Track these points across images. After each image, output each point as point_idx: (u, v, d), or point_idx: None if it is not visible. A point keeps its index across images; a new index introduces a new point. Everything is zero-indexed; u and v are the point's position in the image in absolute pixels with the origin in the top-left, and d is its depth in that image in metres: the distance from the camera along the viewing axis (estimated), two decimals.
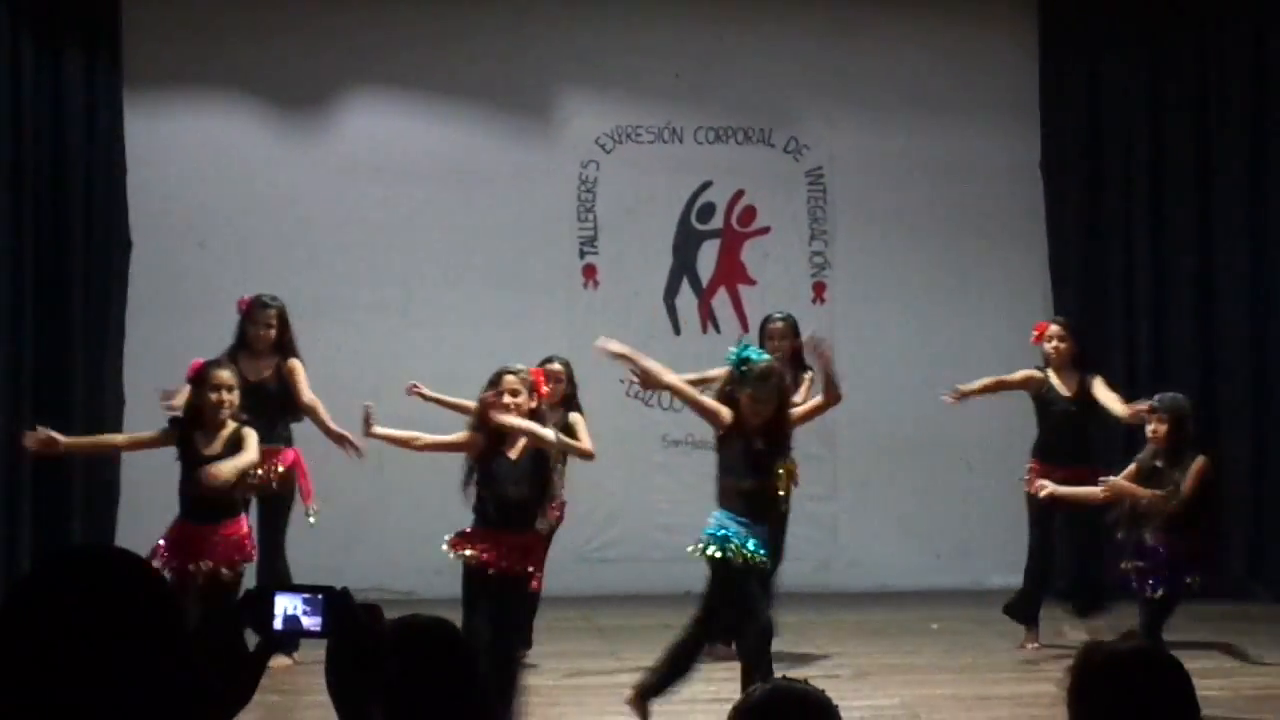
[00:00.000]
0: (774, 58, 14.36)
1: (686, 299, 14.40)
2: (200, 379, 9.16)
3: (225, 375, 9.16)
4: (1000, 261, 14.39)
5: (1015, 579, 12.57)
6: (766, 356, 9.10)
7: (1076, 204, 14.30)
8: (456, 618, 8.19)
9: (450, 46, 14.08)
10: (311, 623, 2.81)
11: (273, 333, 10.88)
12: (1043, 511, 11.34)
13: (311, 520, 10.62)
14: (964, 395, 11.43)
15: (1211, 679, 9.64)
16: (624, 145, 14.33)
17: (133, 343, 13.41)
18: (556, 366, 10.68)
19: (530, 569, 8.94)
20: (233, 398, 9.12)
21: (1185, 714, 3.70)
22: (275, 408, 10.80)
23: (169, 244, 13.63)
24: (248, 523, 9.36)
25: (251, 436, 9.25)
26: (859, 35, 14.43)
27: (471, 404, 9.44)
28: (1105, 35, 14.32)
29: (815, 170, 14.48)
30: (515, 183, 14.08)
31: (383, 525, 13.09)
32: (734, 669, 10.31)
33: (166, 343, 13.18)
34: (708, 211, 14.46)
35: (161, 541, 9.22)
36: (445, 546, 8.88)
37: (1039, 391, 11.61)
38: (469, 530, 8.86)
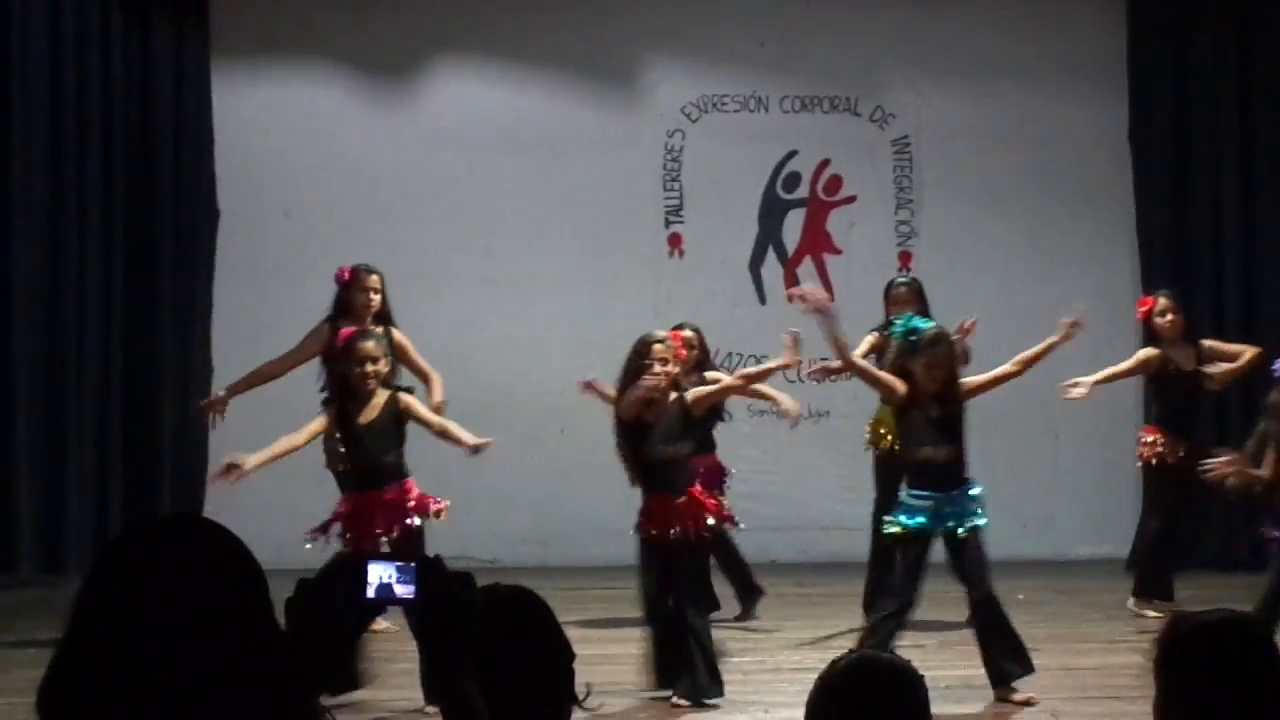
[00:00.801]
0: (859, 26, 14.31)
1: (772, 268, 14.37)
2: (347, 353, 9.13)
3: (370, 346, 9.12)
4: (1087, 232, 14.30)
5: (1100, 549, 12.61)
6: (933, 324, 9.16)
7: (1164, 175, 14.20)
8: (539, 586, 8.21)
9: (536, 15, 14.09)
10: (404, 590, 2.83)
11: (378, 299, 10.88)
12: (1164, 486, 11.38)
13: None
14: (1087, 391, 11.34)
15: None
16: (709, 114, 14.31)
17: (220, 311, 13.51)
18: (687, 333, 10.67)
19: (696, 527, 8.98)
20: (378, 367, 9.08)
21: (1274, 684, 3.69)
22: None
23: (256, 213, 13.71)
24: (415, 485, 9.28)
25: (410, 399, 9.26)
26: (945, 4, 14.36)
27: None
28: (1193, 6, 14.21)
29: (901, 139, 14.43)
30: (601, 151, 14.09)
31: (467, 493, 13.11)
32: (819, 639, 10.33)
33: (254, 311, 13.30)
34: (793, 181, 14.43)
35: (339, 514, 9.17)
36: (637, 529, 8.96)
37: (1160, 368, 11.54)
38: (644, 503, 8.97)
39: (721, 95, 14.30)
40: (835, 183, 14.44)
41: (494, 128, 14.02)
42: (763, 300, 14.30)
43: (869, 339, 11.38)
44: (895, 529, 9.15)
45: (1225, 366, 11.45)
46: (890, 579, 9.49)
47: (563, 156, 14.06)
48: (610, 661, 9.54)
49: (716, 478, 10.98)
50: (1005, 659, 9.01)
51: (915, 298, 11.41)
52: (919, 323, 9.23)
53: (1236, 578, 12.13)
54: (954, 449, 9.13)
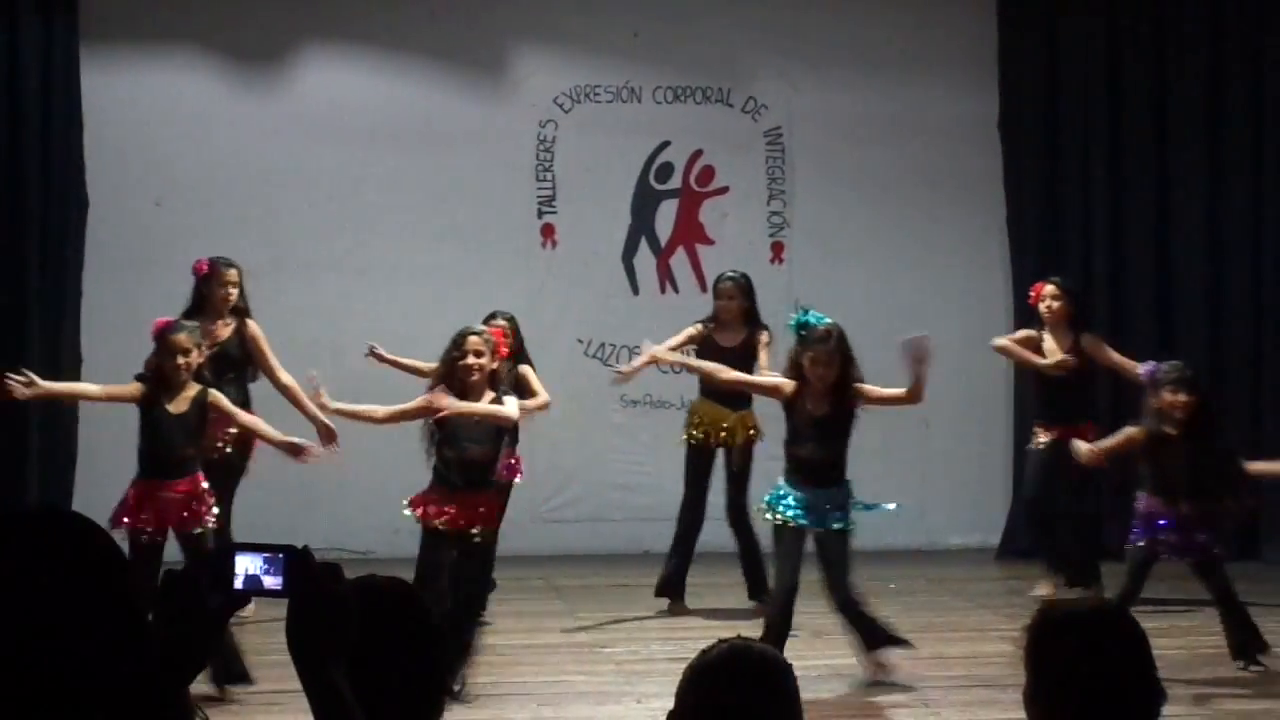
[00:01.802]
0: (732, 17, 14.33)
1: (645, 259, 14.38)
2: (159, 343, 9.14)
3: (183, 338, 9.13)
4: (959, 220, 14.40)
5: (971, 538, 12.68)
6: (826, 320, 9.20)
7: (1034, 162, 14.33)
8: (410, 578, 8.21)
9: (409, 4, 14.03)
10: (272, 582, 2.80)
11: (235, 293, 10.86)
12: (1043, 470, 11.56)
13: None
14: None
15: (1169, 638, 9.70)
16: (582, 105, 14.30)
17: (90, 301, 13.36)
18: (502, 322, 10.71)
19: (485, 524, 9.02)
20: (191, 359, 9.10)
21: (1141, 673, 3.72)
22: (236, 371, 10.79)
23: (126, 202, 13.56)
24: (203, 479, 9.30)
25: (219, 396, 9.30)
26: None
27: (426, 365, 9.53)
28: None
29: (774, 130, 14.47)
30: (473, 141, 14.05)
31: (340, 485, 13.06)
32: (692, 628, 10.36)
33: (123, 301, 13.15)
34: (666, 171, 14.44)
35: (126, 500, 9.15)
36: (407, 510, 8.98)
37: (1035, 351, 11.71)
38: (428, 491, 8.95)
39: (594, 86, 14.29)
40: (708, 173, 14.47)
41: (367, 117, 13.94)
42: (635, 291, 14.30)
43: (690, 330, 11.44)
44: (772, 518, 9.19)
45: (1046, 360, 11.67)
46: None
47: (435, 146, 14.01)
48: (487, 652, 9.53)
49: (515, 469, 10.94)
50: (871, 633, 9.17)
51: (742, 294, 11.45)
52: (812, 317, 9.24)
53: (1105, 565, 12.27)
54: (833, 449, 9.18)
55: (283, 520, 11.87)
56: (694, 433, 11.42)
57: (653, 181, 14.42)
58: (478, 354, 8.96)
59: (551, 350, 13.37)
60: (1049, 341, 11.76)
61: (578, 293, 14.10)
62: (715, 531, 11.62)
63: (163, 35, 13.79)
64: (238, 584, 2.81)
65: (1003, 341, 12.03)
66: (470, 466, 8.97)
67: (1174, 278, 14.11)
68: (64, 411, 13.10)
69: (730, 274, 11.69)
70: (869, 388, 9.26)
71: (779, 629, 9.01)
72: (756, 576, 11.35)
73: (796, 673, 3.64)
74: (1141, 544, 9.56)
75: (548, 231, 14.24)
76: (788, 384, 9.20)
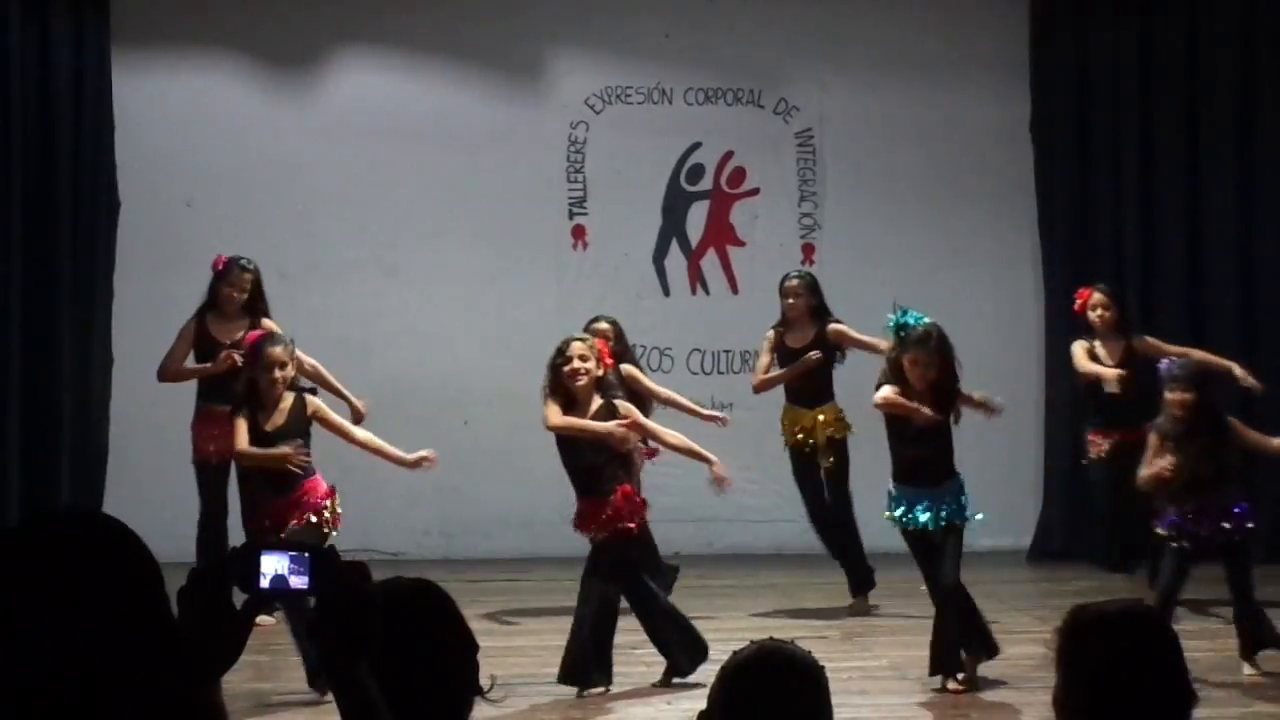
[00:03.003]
0: (764, 19, 14.32)
1: (676, 260, 14.37)
2: (255, 358, 9.04)
3: (279, 352, 9.03)
4: (990, 223, 14.37)
5: (1002, 541, 12.64)
6: (925, 320, 9.14)
7: (1066, 166, 14.29)
8: (443, 578, 8.20)
9: (440, 5, 14.04)
10: (298, 582, 2.80)
11: (244, 296, 10.89)
12: (1110, 482, 11.54)
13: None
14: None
15: (1201, 639, 9.66)
16: (614, 106, 14.29)
17: (121, 302, 13.38)
18: (604, 325, 10.68)
19: (623, 523, 9.09)
20: (286, 374, 9.01)
21: (1172, 673, 3.71)
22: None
23: (157, 203, 13.59)
24: (322, 483, 9.19)
25: (320, 404, 9.22)
26: None
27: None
28: None
29: (805, 132, 14.45)
30: (505, 143, 14.05)
31: (371, 486, 13.06)
32: (725, 629, 10.34)
33: (155, 302, 13.17)
34: (697, 173, 14.43)
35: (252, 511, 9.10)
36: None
37: (1090, 359, 11.66)
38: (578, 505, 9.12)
39: (625, 87, 14.29)
40: (739, 175, 14.46)
41: (397, 119, 13.95)
42: (666, 292, 14.30)
43: (768, 338, 11.46)
44: (896, 524, 9.21)
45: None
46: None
47: (466, 148, 14.01)
48: (515, 653, 9.55)
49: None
50: (957, 647, 9.10)
51: (808, 291, 11.45)
52: (911, 317, 9.20)
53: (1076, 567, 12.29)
54: (936, 448, 9.16)
55: None
56: (790, 441, 11.45)
57: (684, 183, 14.41)
58: (582, 359, 8.97)
59: None
60: (1100, 349, 11.71)
61: (609, 294, 14.08)
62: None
63: (194, 37, 13.82)
64: (264, 583, 2.81)
65: (1088, 367, 11.86)
66: (590, 472, 9.04)
67: (1205, 281, 14.05)
68: (94, 411, 13.15)
69: (795, 272, 11.74)
70: (966, 393, 9.27)
71: (965, 621, 9.01)
72: (856, 573, 11.37)
73: (828, 674, 3.62)
74: (1175, 544, 9.54)
75: (579, 233, 14.24)
76: (888, 392, 9.14)
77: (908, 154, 14.34)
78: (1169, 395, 9.57)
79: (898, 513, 9.18)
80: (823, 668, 3.63)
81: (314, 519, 8.87)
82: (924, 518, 9.10)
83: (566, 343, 9.09)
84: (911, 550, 9.29)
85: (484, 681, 3.54)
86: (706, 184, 14.44)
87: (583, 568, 9.23)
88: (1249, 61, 14.07)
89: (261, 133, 13.84)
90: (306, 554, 2.81)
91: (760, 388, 11.49)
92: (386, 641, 2.82)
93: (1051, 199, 14.28)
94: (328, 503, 8.97)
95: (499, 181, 14.02)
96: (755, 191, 14.47)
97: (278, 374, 8.93)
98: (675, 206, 14.40)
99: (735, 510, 13.00)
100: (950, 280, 14.17)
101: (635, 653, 9.61)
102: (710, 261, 14.38)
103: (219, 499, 10.88)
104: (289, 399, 9.01)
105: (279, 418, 8.96)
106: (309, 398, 9.15)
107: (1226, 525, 9.45)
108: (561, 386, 9.00)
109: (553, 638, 10.36)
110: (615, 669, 9.16)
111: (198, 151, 13.75)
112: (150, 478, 12.80)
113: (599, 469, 9.04)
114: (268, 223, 13.46)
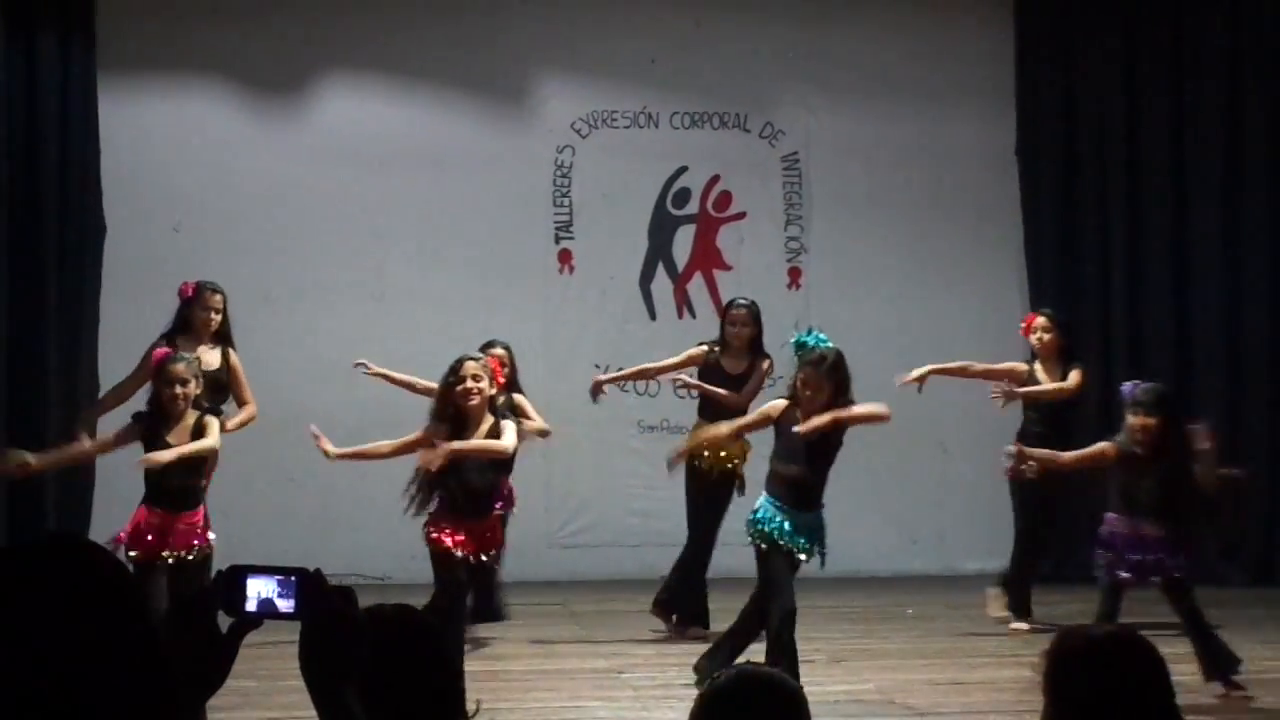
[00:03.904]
0: (750, 43, 14.35)
1: (662, 284, 14.38)
2: (159, 374, 9.11)
3: (180, 368, 9.09)
4: (976, 246, 14.40)
5: (990, 564, 12.60)
6: (828, 343, 9.15)
7: (1052, 189, 14.33)
8: (426, 603, 8.22)
9: (426, 31, 14.05)
10: (285, 605, 2.79)
11: (218, 318, 10.91)
12: (1030, 497, 11.48)
13: None
14: (929, 373, 11.47)
15: (1184, 664, 9.66)
16: (599, 130, 14.31)
17: (107, 327, 13.37)
18: (499, 351, 10.75)
19: (493, 549, 9.21)
20: (188, 390, 9.06)
21: (1160, 698, 3.71)
22: (221, 398, 10.78)
23: (143, 228, 13.59)
24: (205, 513, 9.26)
25: (214, 424, 9.22)
26: (835, 20, 14.42)
27: (421, 381, 9.60)
28: (1080, 20, 14.35)
29: (791, 155, 14.48)
30: (490, 167, 14.06)
31: (357, 510, 13.07)
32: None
33: (141, 327, 13.10)
34: (683, 197, 14.45)
35: (125, 531, 9.14)
36: (427, 534, 9.02)
37: (1022, 382, 11.64)
38: (438, 515, 8.99)
39: (611, 111, 14.31)
40: (725, 199, 14.47)
41: (383, 143, 13.96)
42: (653, 316, 14.30)
43: (692, 350, 11.42)
44: (760, 540, 9.10)
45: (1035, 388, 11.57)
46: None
47: (452, 172, 14.03)
48: (499, 678, 9.52)
49: (510, 498, 10.93)
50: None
51: (754, 321, 11.42)
52: (811, 338, 9.23)
53: (1078, 591, 12.26)
54: (818, 472, 9.14)
55: (300, 546, 11.88)
56: (698, 460, 11.36)
57: (670, 207, 14.42)
58: (475, 379, 8.98)
59: (568, 375, 13.38)
60: (1039, 373, 11.74)
61: (595, 318, 14.10)
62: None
63: (180, 63, 13.83)
64: (250, 606, 2.80)
65: (960, 365, 11.87)
66: (473, 494, 8.99)
67: (1191, 303, 14.08)
68: (81, 433, 13.09)
69: (742, 300, 11.66)
70: (854, 411, 9.16)
71: (793, 653, 8.94)
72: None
73: (811, 700, 3.62)
74: (1104, 567, 9.56)
75: (565, 257, 14.25)
76: (778, 404, 9.17)
77: (894, 177, 14.37)
78: (1132, 419, 9.55)
79: (762, 522, 9.08)
80: (802, 690, 3.62)
81: (188, 555, 8.95)
82: (788, 535, 9.03)
83: (460, 362, 9.10)
84: (769, 566, 9.17)
85: (470, 706, 3.54)
86: (693, 208, 14.45)
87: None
88: (1234, 85, 14.12)
89: (248, 157, 13.84)
90: (293, 577, 2.80)
91: (669, 380, 11.38)
92: (372, 667, 2.82)
93: (1037, 222, 14.31)
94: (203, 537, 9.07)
95: (485, 206, 14.03)
96: (742, 215, 14.49)
97: (179, 390, 8.98)
98: (662, 230, 14.41)
99: (720, 534, 12.97)
100: (937, 303, 14.21)
101: (620, 676, 9.58)
102: (697, 285, 14.39)
103: None
104: (191, 416, 9.06)
105: (181, 434, 9.02)
106: (209, 418, 9.18)
107: (1167, 560, 9.44)
108: (453, 406, 9.01)
109: (538, 662, 10.37)
110: (602, 693, 9.15)
111: (184, 176, 13.75)
112: (136, 503, 12.76)
113: (486, 493, 9.08)
114: (254, 247, 13.46)
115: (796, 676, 8.65)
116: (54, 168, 13.33)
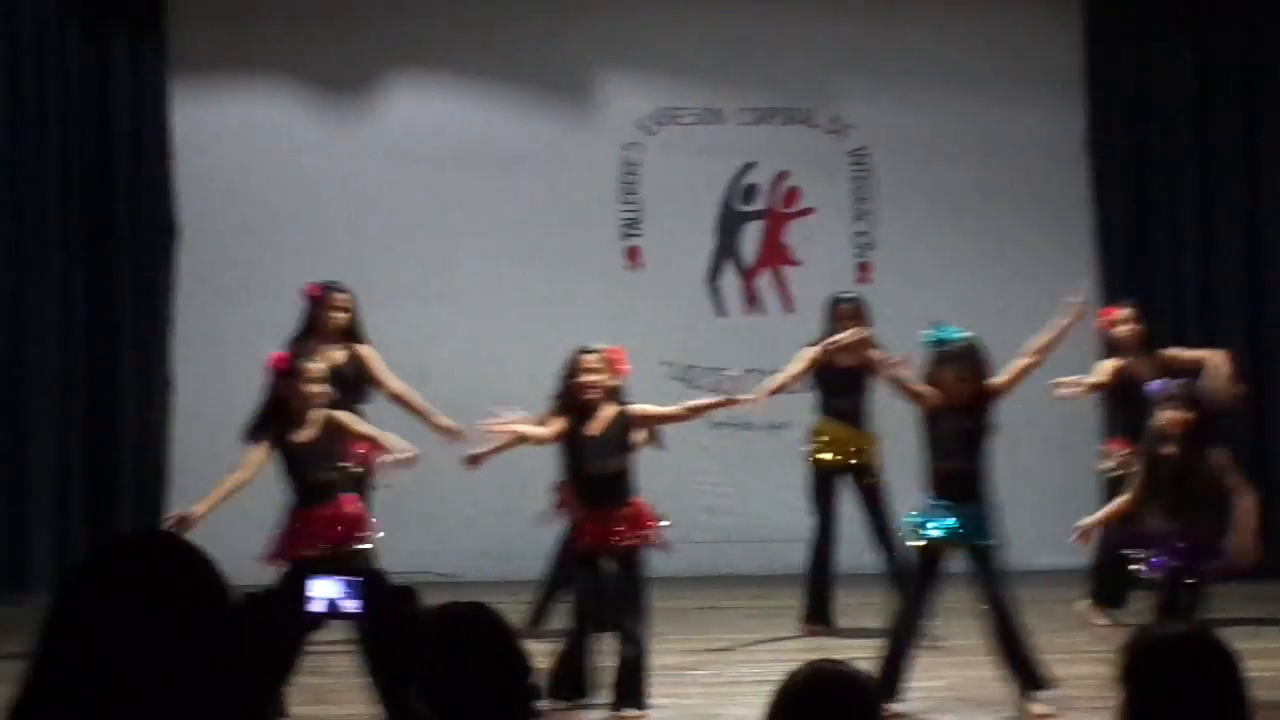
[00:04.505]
0: (815, 37, 14.32)
1: (730, 281, 14.37)
2: (293, 372, 9.02)
3: (318, 368, 9.06)
4: (1045, 239, 14.32)
5: (1061, 559, 12.53)
6: (964, 335, 9.12)
7: (1121, 180, 14.24)
8: (498, 601, 8.19)
9: (493, 30, 14.08)
10: (349, 605, 2.81)
11: (346, 317, 10.85)
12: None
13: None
14: (1078, 392, 11.42)
15: (1257, 660, 9.57)
16: (666, 127, 14.31)
17: (180, 328, 13.46)
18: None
19: (636, 538, 9.06)
20: (323, 389, 9.02)
21: (1235, 695, 3.70)
22: (350, 394, 10.78)
23: (215, 230, 13.66)
24: (354, 501, 9.20)
25: (348, 416, 9.21)
26: (900, 13, 14.38)
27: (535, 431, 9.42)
28: (1150, 10, 14.25)
29: (858, 150, 14.44)
30: (558, 166, 14.08)
31: (428, 509, 13.09)
32: (780, 650, 10.30)
33: (213, 328, 13.26)
34: (751, 193, 14.43)
35: (278, 533, 9.08)
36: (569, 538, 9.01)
37: (1118, 380, 11.56)
38: (577, 514, 9.17)
39: (678, 108, 14.30)
40: (792, 194, 14.45)
41: (452, 143, 14.00)
42: (721, 312, 14.29)
43: (809, 353, 11.33)
44: (918, 538, 9.11)
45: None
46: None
47: (520, 171, 14.05)
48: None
49: None
50: (1022, 669, 8.99)
51: (861, 314, 11.35)
52: (950, 332, 9.18)
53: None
54: (978, 461, 9.10)
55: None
56: (821, 454, 11.36)
57: (737, 203, 14.41)
58: (593, 371, 8.98)
59: (637, 373, 13.28)
60: (1135, 365, 11.62)
61: (663, 315, 14.09)
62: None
63: (250, 64, 13.90)
64: (315, 607, 2.81)
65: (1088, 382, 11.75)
66: (601, 482, 8.96)
67: (1265, 296, 13.98)
68: (155, 432, 13.22)
69: (848, 294, 11.64)
70: (998, 381, 9.15)
71: (903, 652, 8.92)
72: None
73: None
74: (1155, 565, 9.49)
75: (633, 254, 14.25)
76: (932, 394, 9.08)
77: (962, 170, 14.31)
78: (1166, 414, 9.44)
79: (917, 523, 9.09)
80: (876, 688, 3.60)
81: (348, 546, 8.89)
82: (939, 531, 9.00)
83: (577, 355, 9.09)
84: (919, 563, 9.17)
85: (541, 703, 3.54)
86: (760, 203, 14.44)
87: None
88: None
89: (317, 158, 13.90)
90: (357, 578, 2.81)
91: (776, 390, 11.37)
92: (441, 665, 2.82)
93: (1107, 213, 14.23)
94: (357, 529, 9.00)
95: (553, 204, 14.04)
96: (809, 210, 14.46)
97: (316, 388, 8.93)
98: (729, 226, 14.40)
99: (791, 530, 12.94)
100: (1005, 297, 14.12)
101: (691, 674, 9.58)
102: (765, 281, 14.37)
103: None
104: (319, 414, 9.01)
105: (309, 433, 8.95)
106: (336, 412, 9.13)
107: (1185, 555, 9.36)
108: (574, 399, 8.99)
109: (608, 659, 10.35)
110: (672, 690, 9.14)
111: (256, 178, 13.82)
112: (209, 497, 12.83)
113: (617, 479, 9.03)
114: (324, 247, 13.51)
115: (896, 675, 8.71)
116: (127, 171, 13.43)
